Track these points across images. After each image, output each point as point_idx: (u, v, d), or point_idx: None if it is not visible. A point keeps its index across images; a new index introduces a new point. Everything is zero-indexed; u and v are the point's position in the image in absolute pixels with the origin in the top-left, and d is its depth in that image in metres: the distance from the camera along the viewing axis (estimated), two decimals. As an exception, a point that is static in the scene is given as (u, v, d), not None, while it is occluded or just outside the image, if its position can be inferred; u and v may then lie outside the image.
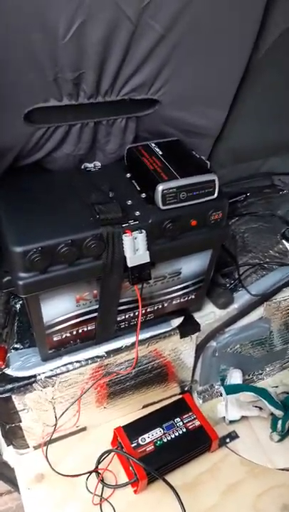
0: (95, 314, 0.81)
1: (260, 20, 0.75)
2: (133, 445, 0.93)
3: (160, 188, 0.71)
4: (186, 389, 1.12)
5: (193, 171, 0.75)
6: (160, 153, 0.80)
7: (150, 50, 0.70)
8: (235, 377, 1.12)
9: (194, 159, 0.81)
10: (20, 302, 0.95)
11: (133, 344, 0.89)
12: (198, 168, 0.77)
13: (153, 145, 0.82)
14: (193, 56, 0.75)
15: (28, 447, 0.97)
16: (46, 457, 0.93)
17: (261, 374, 1.18)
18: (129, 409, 1.05)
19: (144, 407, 1.07)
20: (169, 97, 0.79)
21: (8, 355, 0.86)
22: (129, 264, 0.71)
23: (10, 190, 0.76)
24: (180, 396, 1.06)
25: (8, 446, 0.96)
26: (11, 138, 0.73)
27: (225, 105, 0.88)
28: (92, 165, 0.84)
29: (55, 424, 0.93)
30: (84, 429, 1.02)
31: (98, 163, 0.84)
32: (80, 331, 0.83)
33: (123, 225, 0.70)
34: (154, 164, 0.77)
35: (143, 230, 0.71)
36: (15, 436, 0.93)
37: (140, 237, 0.71)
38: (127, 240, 0.70)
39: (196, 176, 0.74)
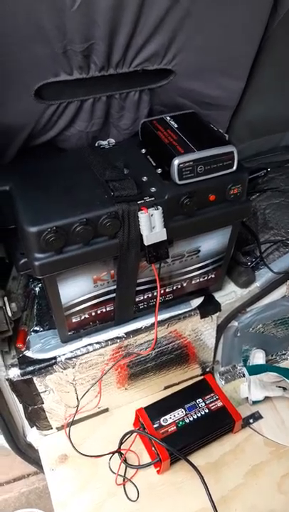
0: (113, 295, 0.80)
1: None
2: (155, 426, 0.93)
3: (176, 161, 0.69)
4: (207, 370, 1.10)
5: (211, 143, 0.72)
6: (176, 126, 0.77)
7: (162, 17, 0.66)
8: (258, 357, 1.10)
9: (211, 131, 0.77)
10: (40, 285, 0.95)
11: (152, 325, 0.88)
12: (215, 140, 0.74)
13: (168, 118, 0.79)
14: (206, 23, 0.71)
15: (51, 428, 0.98)
16: (69, 438, 0.94)
17: (285, 354, 1.16)
18: (151, 391, 1.04)
19: (165, 388, 1.06)
20: (184, 66, 0.75)
21: (29, 337, 0.86)
22: (146, 242, 0.69)
23: (24, 171, 0.74)
24: (202, 377, 1.05)
25: (31, 427, 0.97)
26: (23, 116, 0.71)
27: (242, 75, 0.84)
28: (106, 142, 0.82)
29: (77, 406, 0.93)
30: (106, 410, 1.02)
31: (112, 140, 0.82)
32: (99, 312, 0.82)
33: (139, 202, 0.68)
34: (170, 138, 0.74)
35: (159, 207, 0.69)
36: (38, 418, 0.94)
37: (156, 214, 0.68)
38: (143, 217, 0.68)
39: (213, 148, 0.71)
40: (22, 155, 0.78)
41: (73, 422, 0.96)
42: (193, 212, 0.73)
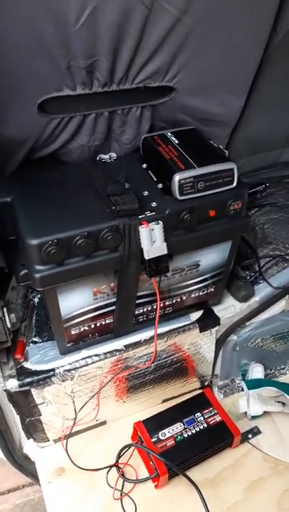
0: (113, 307, 0.80)
1: (278, 2, 0.72)
2: (153, 440, 0.92)
3: (177, 177, 0.70)
4: (206, 384, 1.10)
5: (211, 159, 0.73)
6: (176, 142, 0.78)
7: (165, 35, 0.68)
8: (256, 371, 1.10)
9: (212, 148, 0.78)
10: (39, 296, 0.95)
11: (152, 338, 0.88)
12: (216, 156, 0.75)
13: (169, 134, 0.80)
14: (208, 41, 0.73)
15: (48, 441, 0.97)
16: (66, 451, 0.94)
17: (284, 369, 1.16)
18: (149, 404, 1.04)
19: (164, 401, 1.06)
20: (185, 84, 0.77)
21: (27, 348, 0.86)
22: (146, 256, 0.70)
23: (26, 183, 0.75)
24: (200, 391, 1.05)
25: (28, 439, 0.96)
26: (26, 129, 0.72)
27: (242, 92, 0.85)
28: (107, 156, 0.83)
29: (75, 418, 0.93)
30: (104, 423, 1.01)
31: (114, 155, 0.83)
32: (98, 324, 0.82)
33: (140, 217, 0.69)
34: (171, 153, 0.75)
35: (160, 221, 0.69)
36: (35, 430, 0.94)
37: (157, 229, 0.69)
38: (143, 231, 0.68)
39: (214, 164, 0.72)
40: (24, 167, 0.79)
41: (71, 435, 0.95)
42: (194, 227, 0.74)
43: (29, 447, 0.98)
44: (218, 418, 0.97)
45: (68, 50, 0.64)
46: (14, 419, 0.92)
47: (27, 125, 0.72)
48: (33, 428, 0.93)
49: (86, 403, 0.90)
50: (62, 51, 0.64)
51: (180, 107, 0.81)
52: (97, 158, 0.83)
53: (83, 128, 0.78)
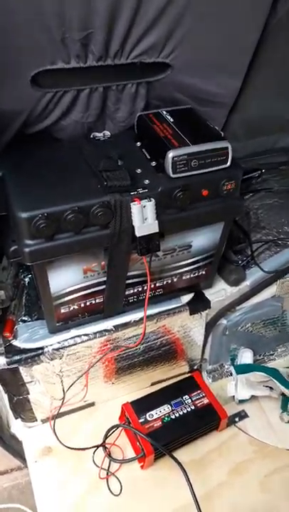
0: (103, 287, 0.80)
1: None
2: (141, 421, 0.93)
3: (170, 154, 0.69)
4: (195, 368, 1.10)
5: (206, 138, 0.72)
6: (171, 120, 0.77)
7: (161, 9, 0.67)
8: (245, 357, 1.11)
9: (207, 127, 0.77)
10: (30, 276, 0.95)
11: (141, 319, 0.87)
12: (210, 135, 0.74)
13: (164, 112, 0.79)
14: (205, 17, 0.71)
15: (36, 420, 0.97)
16: (54, 431, 0.93)
17: (273, 355, 1.16)
18: (138, 386, 1.04)
19: (152, 384, 1.06)
20: (181, 61, 0.75)
21: (16, 327, 0.86)
22: (138, 233, 0.69)
23: (17, 157, 0.74)
24: (189, 374, 1.05)
25: (16, 419, 0.96)
26: (18, 102, 0.70)
27: (240, 72, 0.84)
28: (101, 134, 0.82)
29: (63, 398, 0.93)
30: (92, 404, 1.02)
31: (108, 133, 0.82)
32: (88, 303, 0.82)
33: (131, 193, 0.68)
34: (165, 131, 0.74)
35: (152, 199, 0.69)
36: (23, 409, 0.94)
37: (149, 206, 0.68)
38: (135, 208, 0.68)
39: (208, 143, 0.71)
40: (16, 142, 0.78)
41: (59, 415, 0.95)
42: (186, 206, 0.73)
43: (17, 427, 0.98)
44: (205, 401, 0.97)
45: (63, 21, 0.63)
46: (2, 398, 0.92)
47: (20, 98, 0.70)
48: (21, 407, 0.93)
49: (74, 382, 0.90)
50: (58, 22, 0.63)
51: (176, 85, 0.80)
52: (91, 136, 0.82)
53: (77, 104, 0.76)
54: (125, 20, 0.66)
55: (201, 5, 0.69)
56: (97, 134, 0.82)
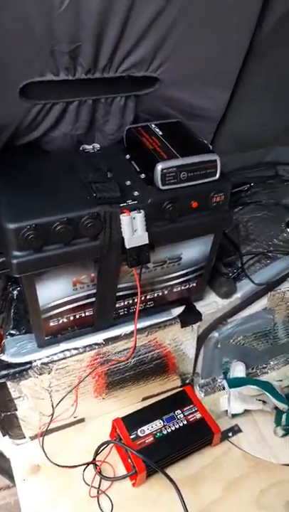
0: (93, 299, 0.79)
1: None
2: (132, 437, 0.91)
3: (159, 167, 0.69)
4: (187, 382, 1.09)
5: (195, 150, 0.73)
6: (160, 133, 0.78)
7: (149, 23, 0.68)
8: (238, 370, 1.09)
9: (196, 140, 0.78)
10: (18, 288, 0.94)
11: (132, 332, 0.86)
12: (199, 148, 0.75)
13: (153, 126, 0.80)
14: (193, 31, 0.73)
15: (25, 437, 0.95)
16: (42, 448, 0.91)
17: (265, 368, 1.15)
18: (129, 401, 1.02)
19: (143, 399, 1.04)
20: (170, 74, 0.77)
21: (4, 341, 0.84)
22: (127, 245, 0.69)
23: (6, 169, 0.74)
24: (181, 388, 1.04)
25: (4, 436, 0.94)
26: (7, 113, 0.71)
27: (227, 86, 0.86)
28: (90, 146, 0.82)
29: (52, 414, 0.91)
30: (82, 420, 0.99)
31: (97, 145, 0.82)
32: (78, 316, 0.81)
33: (121, 205, 0.68)
34: (154, 144, 0.75)
35: (142, 210, 0.69)
36: (11, 426, 0.91)
37: (139, 218, 0.68)
38: (124, 219, 0.68)
39: (197, 155, 0.72)
40: (5, 154, 0.78)
41: (48, 432, 0.93)
42: (176, 217, 0.73)
43: (4, 444, 0.95)
44: (198, 415, 0.96)
45: (52, 34, 0.63)
46: (-11, 414, 0.89)
47: (8, 109, 0.70)
48: (9, 424, 0.91)
49: (64, 398, 0.88)
50: (46, 35, 0.63)
51: (164, 98, 0.81)
52: (80, 149, 0.82)
53: (66, 116, 0.77)
54: (113, 35, 0.67)
55: (188, 20, 0.70)
56: (87, 147, 0.82)
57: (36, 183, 0.71)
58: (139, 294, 0.77)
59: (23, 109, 0.72)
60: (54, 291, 0.74)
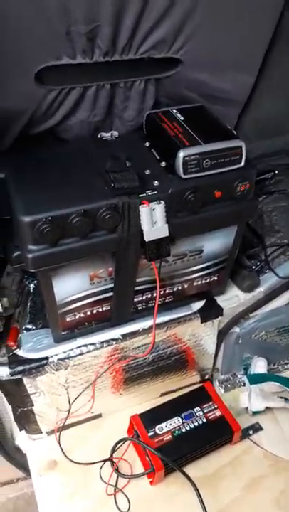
0: (111, 294, 0.76)
1: None
2: (150, 434, 0.88)
3: (181, 154, 0.65)
4: (206, 377, 1.06)
5: (218, 137, 0.69)
6: (182, 118, 0.73)
7: (171, 1, 0.63)
8: (259, 366, 1.06)
9: (219, 126, 0.74)
10: (34, 282, 0.91)
11: (150, 327, 0.83)
12: (223, 134, 0.70)
13: (174, 111, 0.76)
14: (217, 11, 0.68)
15: (41, 433, 0.93)
16: (59, 443, 0.90)
17: (288, 364, 1.11)
18: (147, 397, 1.00)
19: (162, 395, 1.02)
20: (192, 56, 0.72)
21: (20, 335, 0.82)
22: (147, 238, 0.66)
23: (21, 159, 0.71)
24: (200, 385, 1.01)
25: (20, 431, 0.93)
26: (22, 100, 0.67)
27: (252, 69, 0.81)
28: (108, 134, 0.78)
29: (69, 410, 0.89)
30: (99, 415, 0.98)
31: (115, 132, 0.78)
32: (95, 311, 0.78)
33: (140, 195, 0.65)
34: (175, 130, 0.70)
35: (162, 201, 0.65)
36: (27, 421, 0.90)
37: (159, 209, 0.65)
38: (144, 211, 0.64)
39: (221, 141, 0.67)
40: (21, 143, 0.74)
41: (64, 427, 0.92)
42: (198, 208, 0.69)
43: (21, 439, 0.94)
44: (217, 413, 0.93)
45: (68, 14, 0.59)
46: (6, 409, 0.88)
47: (23, 96, 0.67)
48: (26, 419, 0.89)
49: (80, 394, 0.86)
50: (62, 15, 0.59)
51: (186, 81, 0.76)
52: (98, 136, 0.78)
53: (83, 102, 0.73)
54: (133, 13, 0.62)
55: None
56: (105, 134, 0.78)
57: (52, 173, 0.68)
58: (158, 288, 0.74)
59: (39, 96, 0.68)
60: (71, 286, 0.71)
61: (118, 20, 0.62)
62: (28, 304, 0.88)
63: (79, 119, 0.75)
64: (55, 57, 0.64)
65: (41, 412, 0.88)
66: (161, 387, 1.01)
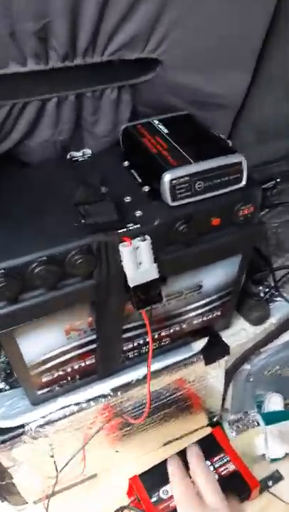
0: (94, 346, 0.63)
1: None
2: (153, 500, 0.75)
3: (167, 177, 0.52)
4: (214, 419, 0.93)
5: (212, 152, 0.56)
6: (166, 131, 0.61)
7: None
8: (274, 402, 0.93)
9: (212, 138, 0.61)
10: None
11: (145, 377, 0.70)
12: (218, 148, 0.57)
13: (156, 122, 0.63)
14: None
15: (27, 503, 0.80)
16: (47, 513, 0.77)
17: (306, 398, 0.98)
18: (147, 449, 0.87)
19: (164, 444, 0.89)
20: (173, 55, 0.59)
21: (-10, 398, 0.69)
22: (131, 283, 0.53)
23: None
24: (207, 428, 0.88)
25: (2, 502, 0.79)
26: None
27: (247, 66, 0.68)
28: (80, 153, 0.65)
29: (57, 476, 0.76)
30: (94, 476, 0.84)
31: (88, 151, 0.65)
32: (77, 366, 0.65)
33: (119, 231, 0.52)
34: (158, 146, 0.57)
35: (147, 236, 0.52)
36: (9, 493, 0.77)
37: (144, 246, 0.52)
38: (125, 251, 0.51)
39: (215, 158, 0.54)
40: None
41: (54, 493, 0.78)
42: (193, 240, 0.56)
43: (3, 510, 0.81)
44: (231, 467, 0.79)
45: (9, 8, 0.46)
46: (-19, 482, 0.75)
47: None
48: (6, 492, 0.76)
49: (66, 464, 0.72)
50: (2, 10, 0.46)
51: (168, 86, 0.63)
52: (68, 157, 0.65)
53: (44, 118, 0.60)
54: (93, 4, 0.49)
55: None
56: (75, 154, 0.65)
57: (7, 209, 0.55)
58: (150, 338, 0.60)
59: (-15, 113, 0.55)
60: (42, 344, 0.58)
61: (75, 13, 0.49)
62: (1, 355, 0.75)
63: (41, 139, 0.62)
64: (0, 65, 0.51)
65: (23, 484, 0.75)
66: (164, 435, 0.88)
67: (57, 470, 0.75)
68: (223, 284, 0.68)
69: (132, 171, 0.61)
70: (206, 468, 0.72)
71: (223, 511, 0.65)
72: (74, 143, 0.67)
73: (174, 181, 0.52)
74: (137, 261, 0.52)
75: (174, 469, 0.73)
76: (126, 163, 0.62)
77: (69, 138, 0.64)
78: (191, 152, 0.55)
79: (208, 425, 0.93)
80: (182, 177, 0.52)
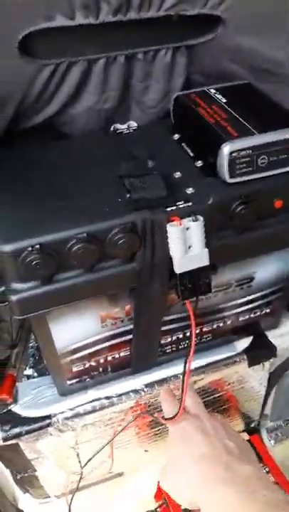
0: (130, 336, 0.58)
1: None
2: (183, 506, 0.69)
3: (227, 148, 0.45)
4: (252, 425, 0.86)
5: (277, 123, 0.48)
6: (224, 100, 0.54)
7: None
8: None
9: (277, 109, 0.54)
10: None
11: (182, 374, 0.64)
12: (283, 119, 0.50)
13: (213, 91, 0.56)
14: None
15: (49, 497, 0.76)
16: (70, 510, 0.72)
17: None
18: (178, 451, 0.81)
19: (197, 447, 0.83)
20: (238, 14, 0.51)
21: (17, 385, 0.65)
22: (178, 269, 0.46)
23: (8, 164, 0.53)
24: (243, 434, 0.81)
25: (24, 493, 0.76)
26: (4, 80, 0.49)
27: None
28: (125, 126, 0.60)
29: (81, 473, 0.71)
30: (120, 474, 0.80)
31: (133, 123, 0.60)
32: (110, 358, 0.60)
33: (168, 209, 0.45)
34: (216, 116, 0.51)
35: (199, 216, 0.46)
36: (31, 486, 0.73)
37: (195, 228, 0.45)
38: (174, 231, 0.45)
39: (281, 129, 0.47)
40: (7, 141, 0.56)
41: (78, 489, 0.74)
42: (251, 224, 0.49)
43: (25, 502, 0.77)
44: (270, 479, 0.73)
45: None
46: (4, 472, 0.71)
47: (5, 73, 0.48)
48: (29, 484, 0.73)
49: (91, 458, 0.68)
50: None
51: (229, 50, 0.56)
52: (111, 129, 0.60)
53: (89, 82, 0.54)
54: None
55: None
56: (120, 126, 0.60)
57: (45, 182, 0.49)
58: (193, 333, 0.54)
59: (27, 73, 0.49)
60: (75, 331, 0.53)
61: None
62: (29, 342, 0.71)
63: (85, 106, 0.56)
64: (45, 18, 0.45)
65: (47, 477, 0.71)
66: (196, 438, 0.81)
67: (81, 466, 0.70)
68: (276, 278, 0.61)
69: (183, 144, 0.54)
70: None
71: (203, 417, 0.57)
72: (118, 114, 0.61)
73: (234, 154, 0.45)
74: (186, 244, 0.46)
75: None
76: (176, 136, 0.56)
77: (114, 108, 0.58)
78: (254, 123, 0.48)
79: (244, 431, 0.86)
80: (244, 149, 0.46)
